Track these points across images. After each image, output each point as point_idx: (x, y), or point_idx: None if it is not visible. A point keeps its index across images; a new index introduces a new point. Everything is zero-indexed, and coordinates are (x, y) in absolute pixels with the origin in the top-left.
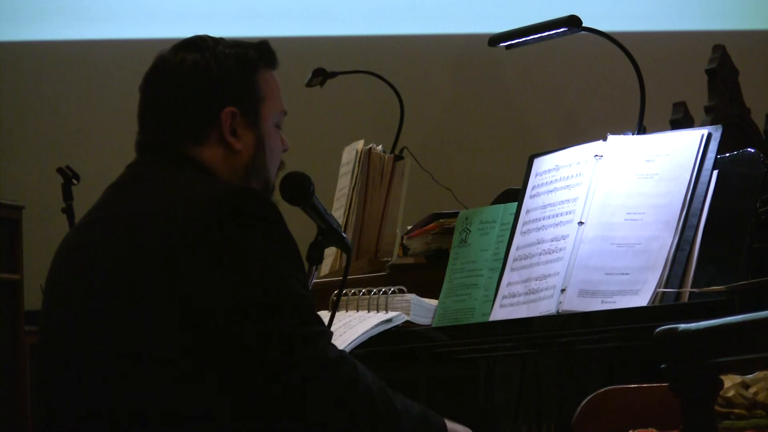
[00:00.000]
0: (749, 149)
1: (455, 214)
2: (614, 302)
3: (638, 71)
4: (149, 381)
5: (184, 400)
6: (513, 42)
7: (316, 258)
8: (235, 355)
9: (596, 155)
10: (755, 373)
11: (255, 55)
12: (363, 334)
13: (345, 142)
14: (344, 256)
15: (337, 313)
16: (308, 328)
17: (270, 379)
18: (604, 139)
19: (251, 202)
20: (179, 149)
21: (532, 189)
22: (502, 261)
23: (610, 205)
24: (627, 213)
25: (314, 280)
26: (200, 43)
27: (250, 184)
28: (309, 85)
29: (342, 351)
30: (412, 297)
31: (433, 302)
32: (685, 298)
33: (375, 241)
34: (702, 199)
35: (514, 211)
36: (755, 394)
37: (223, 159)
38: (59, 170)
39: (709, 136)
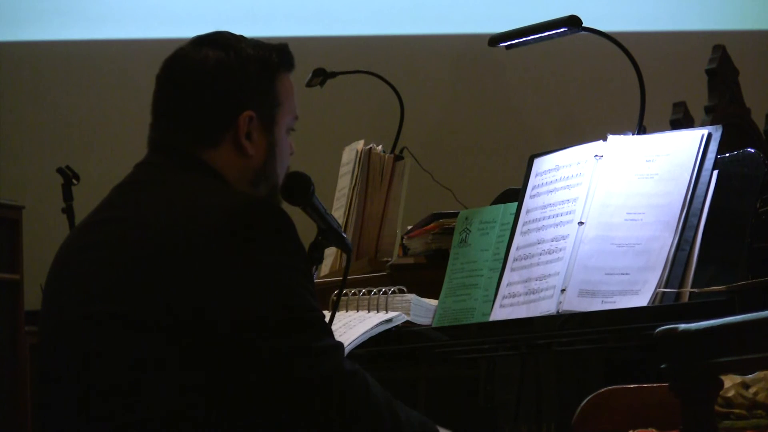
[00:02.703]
0: (749, 149)
1: (455, 214)
2: (614, 302)
3: (638, 71)
4: (153, 388)
5: (187, 408)
6: (513, 42)
7: (316, 258)
8: (248, 368)
9: (596, 155)
10: (755, 373)
11: (276, 59)
12: (363, 334)
13: (345, 142)
14: (344, 256)
15: (337, 313)
16: (323, 342)
17: (285, 393)
18: (604, 139)
19: (268, 215)
20: (192, 152)
21: (532, 189)
22: (502, 261)
23: (610, 205)
24: (627, 213)
25: (314, 280)
26: (223, 41)
27: (257, 189)
28: (309, 85)
29: (354, 363)
30: (412, 297)
31: (433, 302)
32: (685, 298)
33: (375, 241)
34: (702, 199)
35: (514, 211)
36: (755, 394)
37: (234, 162)
38: (59, 170)
39: (709, 136)
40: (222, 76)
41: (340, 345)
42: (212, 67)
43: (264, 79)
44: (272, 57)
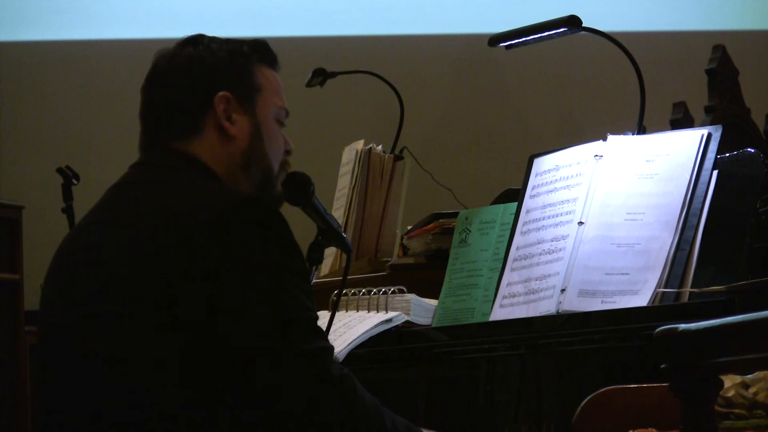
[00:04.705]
0: (749, 149)
1: (455, 214)
2: (614, 302)
3: (638, 71)
4: (148, 386)
5: (182, 407)
6: (513, 42)
7: (316, 258)
8: (237, 367)
9: (596, 155)
10: (755, 373)
11: (248, 50)
12: (363, 334)
13: (345, 142)
14: (344, 256)
15: (337, 313)
16: (313, 344)
17: (272, 393)
18: (604, 139)
19: (260, 213)
20: (178, 147)
21: (532, 189)
22: (502, 261)
23: (610, 205)
24: (627, 213)
25: (314, 280)
26: (196, 39)
27: (250, 173)
28: (309, 85)
29: (342, 367)
30: (412, 297)
31: (433, 302)
32: (685, 298)
33: (375, 241)
34: (702, 199)
35: (514, 211)
36: (755, 394)
37: (220, 147)
38: (59, 170)
39: (709, 136)
40: (192, 65)
41: (330, 348)
42: (183, 60)
43: (237, 65)
44: (243, 47)
